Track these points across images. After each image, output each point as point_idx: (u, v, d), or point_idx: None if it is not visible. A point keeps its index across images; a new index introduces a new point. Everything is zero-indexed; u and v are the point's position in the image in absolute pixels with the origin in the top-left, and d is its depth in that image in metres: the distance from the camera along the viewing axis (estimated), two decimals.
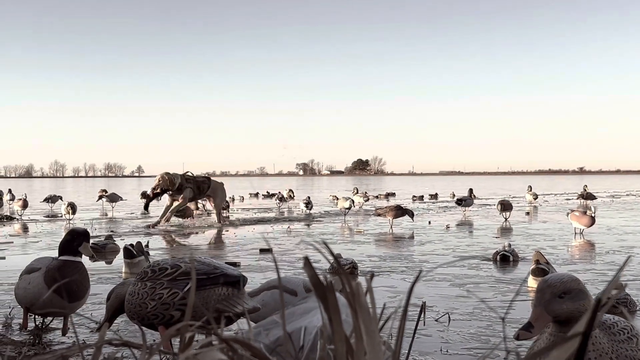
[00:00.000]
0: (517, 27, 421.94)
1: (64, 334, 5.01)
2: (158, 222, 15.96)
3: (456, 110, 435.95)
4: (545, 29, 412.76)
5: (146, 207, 17.46)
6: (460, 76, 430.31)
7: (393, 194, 37.36)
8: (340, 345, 1.26)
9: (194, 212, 18.84)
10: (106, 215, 21.08)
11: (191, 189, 16.71)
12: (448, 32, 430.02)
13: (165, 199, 17.44)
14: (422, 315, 5.61)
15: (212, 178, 18.21)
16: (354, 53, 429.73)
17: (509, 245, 9.59)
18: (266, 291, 4.54)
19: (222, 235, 13.97)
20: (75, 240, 4.69)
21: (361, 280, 1.16)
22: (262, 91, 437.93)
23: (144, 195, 17.21)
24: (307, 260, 1.21)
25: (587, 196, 27.66)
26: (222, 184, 18.02)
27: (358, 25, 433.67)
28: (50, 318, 5.32)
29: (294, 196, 27.97)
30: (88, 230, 4.90)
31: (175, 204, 16.50)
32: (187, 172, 17.28)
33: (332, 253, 1.23)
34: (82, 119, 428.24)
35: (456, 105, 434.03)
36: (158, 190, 16.51)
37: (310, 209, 20.87)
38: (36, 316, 5.13)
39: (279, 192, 27.34)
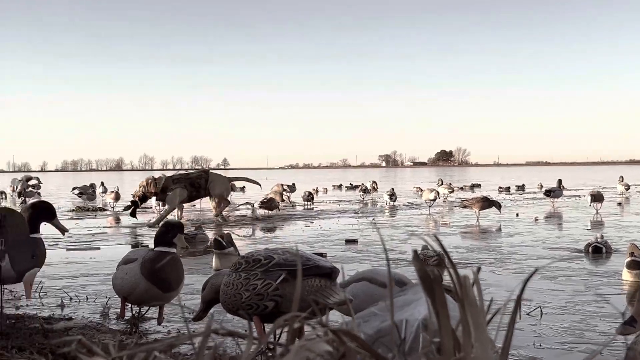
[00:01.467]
0: (608, 15, 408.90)
1: (159, 324, 5.16)
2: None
3: (542, 100, 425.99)
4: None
5: (132, 214, 15.76)
6: (547, 66, 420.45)
7: (478, 185, 36.82)
8: (447, 339, 1.26)
9: (280, 203, 19.02)
10: (194, 206, 21.54)
11: (183, 188, 15.79)
12: (533, 20, 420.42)
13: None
14: (518, 310, 5.53)
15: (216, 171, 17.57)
16: (436, 44, 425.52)
17: (602, 237, 9.33)
18: (355, 283, 4.54)
19: (307, 227, 14.09)
20: (169, 232, 4.82)
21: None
22: (344, 83, 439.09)
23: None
24: (415, 253, 1.21)
25: None
26: (225, 177, 16.72)
27: (443, 16, 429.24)
28: (146, 308, 5.49)
29: (377, 188, 27.93)
30: (181, 222, 5.03)
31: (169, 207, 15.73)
32: (175, 172, 16.62)
33: (442, 247, 1.23)
34: (169, 112, 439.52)
35: (542, 95, 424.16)
36: (135, 199, 15.83)
37: (394, 201, 20.82)
38: (133, 305, 5.29)
39: (362, 184, 27.34)
